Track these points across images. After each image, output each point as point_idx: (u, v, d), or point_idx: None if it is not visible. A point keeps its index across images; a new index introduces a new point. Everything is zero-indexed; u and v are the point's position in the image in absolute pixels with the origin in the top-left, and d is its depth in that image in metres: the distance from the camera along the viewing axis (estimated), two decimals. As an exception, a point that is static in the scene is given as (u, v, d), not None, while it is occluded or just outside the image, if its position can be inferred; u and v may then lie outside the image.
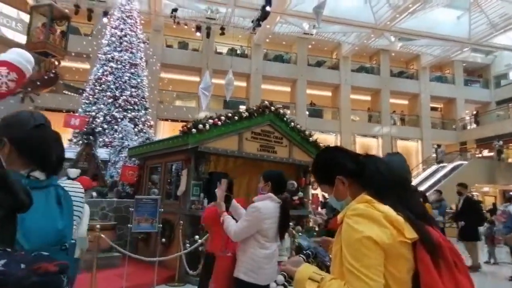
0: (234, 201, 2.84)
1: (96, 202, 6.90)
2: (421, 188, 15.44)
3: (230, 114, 5.84)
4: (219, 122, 5.68)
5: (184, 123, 5.54)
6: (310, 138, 7.03)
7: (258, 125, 6.32)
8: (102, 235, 4.22)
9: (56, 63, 8.89)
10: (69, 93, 18.24)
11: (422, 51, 22.96)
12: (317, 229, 6.18)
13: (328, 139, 20.87)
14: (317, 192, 9.01)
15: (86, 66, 18.50)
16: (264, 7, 16.24)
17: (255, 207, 2.53)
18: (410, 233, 1.05)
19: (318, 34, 21.38)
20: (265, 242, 2.56)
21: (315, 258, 1.77)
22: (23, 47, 8.43)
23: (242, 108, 6.30)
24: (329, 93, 23.71)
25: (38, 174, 1.26)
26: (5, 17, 19.59)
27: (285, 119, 6.67)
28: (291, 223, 5.61)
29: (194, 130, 5.37)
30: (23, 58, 7.65)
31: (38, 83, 8.41)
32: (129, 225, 4.70)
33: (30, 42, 8.82)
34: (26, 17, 8.51)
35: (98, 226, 4.17)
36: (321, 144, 7.12)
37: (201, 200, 5.53)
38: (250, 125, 6.19)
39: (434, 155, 20.70)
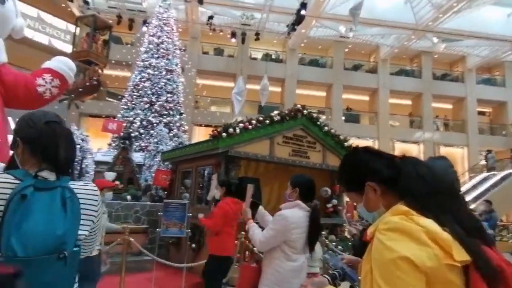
0: (261, 208, 2.69)
1: (130, 205, 7.03)
2: (467, 198, 14.37)
3: (261, 118, 5.71)
4: (250, 126, 5.56)
5: (215, 127, 5.48)
6: (345, 143, 6.73)
7: (290, 129, 6.14)
8: (131, 239, 4.22)
9: (99, 71, 9.28)
10: (111, 99, 19.06)
11: (468, 52, 21.62)
12: (352, 239, 5.87)
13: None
14: (353, 199, 8.61)
15: (127, 73, 19.26)
16: (299, 11, 16.07)
17: (282, 215, 2.34)
18: (460, 254, 0.83)
19: (355, 37, 20.82)
20: (292, 253, 2.35)
21: (343, 280, 1.55)
22: (69, 56, 8.91)
23: (275, 112, 6.16)
24: (366, 98, 22.96)
25: (46, 174, 1.18)
26: (55, 29, 20.94)
27: (318, 123, 6.43)
28: (323, 232, 5.35)
29: (224, 134, 5.29)
30: (66, 65, 8.03)
31: (82, 90, 8.80)
32: (157, 229, 4.68)
33: (75, 51, 9.27)
34: (73, 29, 9.02)
35: (128, 229, 4.17)
36: (357, 150, 6.79)
37: (231, 206, 5.42)
38: (282, 129, 6.02)
39: (483, 161, 19.27)
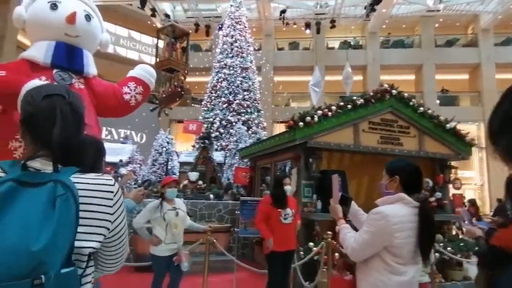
0: (353, 204, 2.12)
1: (213, 204, 7.01)
2: None
3: (342, 103, 5.08)
4: (330, 113, 4.98)
5: (291, 118, 5.03)
6: (447, 125, 5.67)
7: (377, 113, 5.36)
8: (214, 239, 4.03)
9: (183, 78, 9.67)
10: (195, 105, 20.04)
11: None
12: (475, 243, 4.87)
13: (468, 131, 17.54)
14: (460, 192, 7.32)
15: (207, 78, 20.03)
16: (378, -12, 14.74)
17: (380, 213, 1.75)
18: None
19: (447, 8, 18.33)
20: (396, 264, 1.73)
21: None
22: (153, 67, 9.47)
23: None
24: (465, 76, 20.06)
25: (40, 164, 0.87)
26: (143, 45, 22.88)
27: (411, 103, 5.52)
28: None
29: (301, 123, 4.81)
30: (147, 72, 8.47)
31: (169, 97, 9.25)
32: (235, 229, 4.43)
33: (158, 61, 9.81)
34: (161, 44, 9.65)
35: (211, 228, 3.97)
36: (462, 132, 5.67)
37: (314, 202, 4.92)
38: (367, 114, 5.29)
39: None
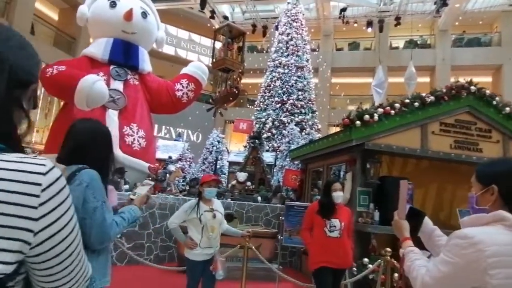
0: (427, 221, 1.59)
1: (260, 207, 6.67)
2: None
3: (407, 100, 4.43)
4: (392, 111, 4.36)
5: (347, 115, 4.50)
6: (540, 130, 4.71)
7: (451, 112, 4.60)
8: (251, 245, 3.66)
9: (238, 79, 9.57)
10: (250, 106, 20.04)
11: None
12: None
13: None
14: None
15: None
16: (451, -20, 13.37)
17: (468, 239, 1.18)
18: None
19: (535, 1, 16.13)
20: None
21: None
22: (209, 67, 9.48)
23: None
24: (556, 78, 17.46)
25: None
26: (203, 47, 23.51)
27: (494, 102, 4.66)
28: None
29: (358, 122, 4.26)
30: (199, 69, 8.45)
31: (225, 97, 9.20)
32: (279, 236, 4.01)
33: (214, 61, 9.81)
34: (218, 45, 9.71)
35: (250, 233, 3.58)
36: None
37: (371, 212, 4.33)
38: (438, 114, 4.56)
39: None
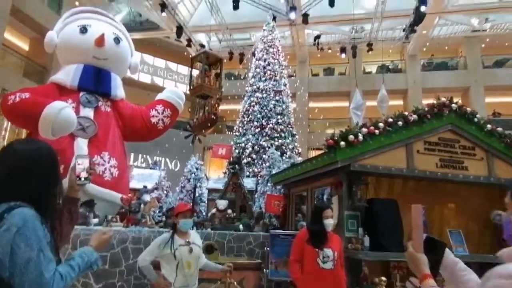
0: (449, 254, 1.37)
1: (242, 236, 6.29)
2: None
3: (391, 119, 4.33)
4: (377, 131, 4.23)
5: (330, 136, 4.33)
6: (522, 146, 4.70)
7: (434, 131, 4.53)
8: (234, 281, 3.29)
9: (216, 105, 9.42)
10: (229, 132, 19.89)
11: None
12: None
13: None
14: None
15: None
16: (417, 8, 14.02)
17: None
18: None
19: (494, 27, 17.17)
20: None
21: None
22: (186, 94, 9.28)
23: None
24: (519, 98, 18.38)
25: None
26: (179, 74, 23.51)
27: (475, 119, 4.64)
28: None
29: (343, 143, 4.09)
30: (175, 95, 8.20)
31: (202, 124, 8.97)
32: (265, 269, 3.67)
33: (191, 88, 9.65)
34: (195, 72, 9.60)
35: (231, 267, 3.23)
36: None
37: (361, 238, 4.07)
38: (422, 132, 4.48)
39: None
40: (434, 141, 4.55)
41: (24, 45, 15.23)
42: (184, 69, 22.79)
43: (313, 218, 3.03)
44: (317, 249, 2.83)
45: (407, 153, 4.42)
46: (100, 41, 6.41)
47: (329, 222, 2.92)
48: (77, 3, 14.58)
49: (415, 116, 4.39)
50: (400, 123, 4.33)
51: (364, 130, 4.19)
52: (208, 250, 4.91)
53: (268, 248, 3.68)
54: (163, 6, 14.67)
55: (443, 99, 4.59)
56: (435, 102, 4.56)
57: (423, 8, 13.83)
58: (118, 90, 6.91)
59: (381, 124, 4.25)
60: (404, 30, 16.68)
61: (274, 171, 8.51)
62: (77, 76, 6.38)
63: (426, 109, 4.51)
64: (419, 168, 4.40)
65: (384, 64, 19.63)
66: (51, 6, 14.87)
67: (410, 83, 18.63)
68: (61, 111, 5.03)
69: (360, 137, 4.14)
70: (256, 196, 8.42)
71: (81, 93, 6.33)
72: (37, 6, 13.79)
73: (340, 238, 3.33)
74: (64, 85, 6.33)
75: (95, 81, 6.54)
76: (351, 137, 4.10)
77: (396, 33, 17.89)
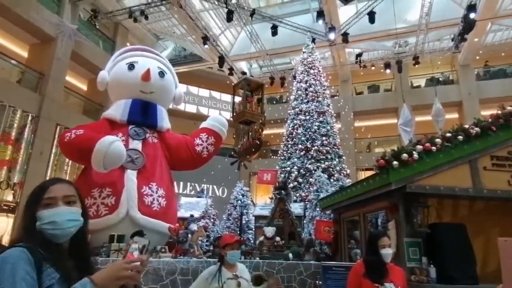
0: None
1: (292, 265, 5.98)
2: None
3: (449, 134, 3.93)
4: (434, 148, 3.86)
5: (381, 157, 4.02)
6: None
7: (502, 144, 4.04)
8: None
9: (260, 130, 9.43)
10: (274, 156, 19.79)
11: None
12: None
13: None
14: None
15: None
16: (466, 16, 13.26)
17: None
18: None
19: (558, 27, 15.68)
20: None
21: None
22: (230, 122, 9.43)
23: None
24: None
25: None
26: (223, 103, 24.18)
27: (552, 129, 4.08)
28: None
29: (395, 162, 3.77)
30: (218, 122, 8.32)
31: (247, 150, 8.98)
32: (318, 305, 3.37)
33: (234, 115, 9.78)
34: (237, 99, 9.81)
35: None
36: None
37: (426, 268, 3.64)
38: (487, 147, 4.01)
39: None
40: (503, 156, 4.05)
41: (83, 86, 16.58)
42: (227, 97, 23.46)
43: (368, 247, 2.72)
44: (376, 284, 2.51)
45: (471, 170, 3.95)
46: (146, 76, 6.73)
47: (387, 252, 2.60)
48: (128, 44, 15.73)
49: (477, 129, 3.95)
50: (460, 137, 3.91)
51: (419, 147, 3.83)
52: (258, 281, 4.69)
53: (320, 282, 3.39)
54: (205, 39, 15.32)
55: (508, 108, 4.10)
56: (499, 112, 4.08)
57: (472, 15, 13.07)
58: (164, 122, 7.14)
59: (438, 140, 3.87)
60: (453, 39, 15.83)
61: (322, 195, 8.17)
62: (126, 111, 6.70)
63: (490, 120, 4.05)
64: (487, 187, 3.91)
65: (433, 77, 18.64)
66: (105, 48, 16.16)
67: (464, 95, 17.42)
68: (111, 145, 5.25)
69: (415, 155, 3.79)
70: (304, 222, 8.08)
71: (130, 126, 6.62)
72: (94, 49, 15.06)
73: (403, 269, 2.98)
74: (115, 120, 6.67)
75: (142, 114, 6.83)
76: (404, 155, 3.76)
77: (444, 43, 17.02)
